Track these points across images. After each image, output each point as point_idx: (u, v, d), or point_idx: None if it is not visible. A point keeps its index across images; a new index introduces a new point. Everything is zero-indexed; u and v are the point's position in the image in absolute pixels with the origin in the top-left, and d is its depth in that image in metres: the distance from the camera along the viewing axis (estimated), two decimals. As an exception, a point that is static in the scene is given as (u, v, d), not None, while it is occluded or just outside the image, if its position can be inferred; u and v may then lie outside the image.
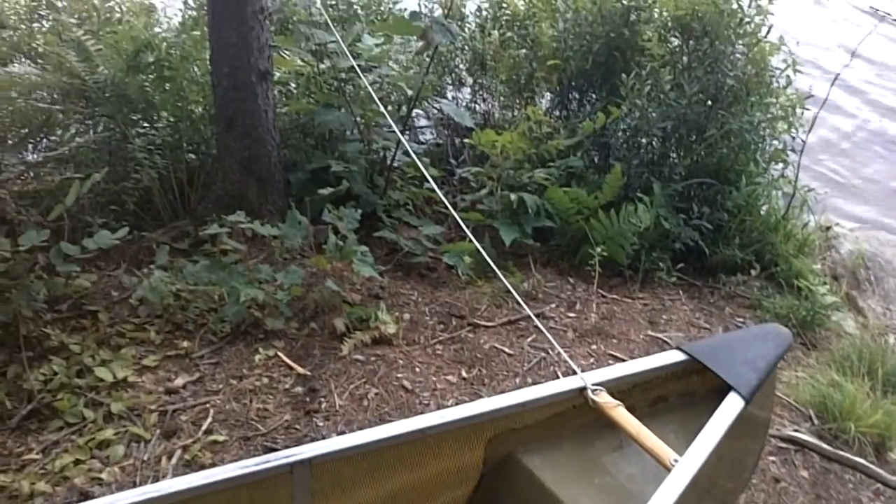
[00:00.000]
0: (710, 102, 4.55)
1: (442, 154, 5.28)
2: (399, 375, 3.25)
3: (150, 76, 4.16)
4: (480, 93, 5.66)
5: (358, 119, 4.47)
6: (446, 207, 3.19)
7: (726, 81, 4.49)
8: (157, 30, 4.57)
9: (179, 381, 3.09)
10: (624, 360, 3.51)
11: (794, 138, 4.73)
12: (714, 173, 4.59)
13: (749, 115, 4.55)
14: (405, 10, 5.46)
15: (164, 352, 3.26)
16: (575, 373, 2.12)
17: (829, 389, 3.60)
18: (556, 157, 4.59)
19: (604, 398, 2.05)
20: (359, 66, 4.07)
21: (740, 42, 4.56)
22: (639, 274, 4.33)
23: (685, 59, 4.67)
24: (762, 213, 4.76)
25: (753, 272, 4.54)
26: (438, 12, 5.45)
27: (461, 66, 5.63)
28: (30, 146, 4.22)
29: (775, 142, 4.74)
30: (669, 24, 4.70)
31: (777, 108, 4.66)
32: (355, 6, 5.21)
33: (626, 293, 4.23)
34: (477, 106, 5.69)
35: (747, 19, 4.52)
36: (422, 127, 5.71)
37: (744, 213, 4.61)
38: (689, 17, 4.56)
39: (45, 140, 4.26)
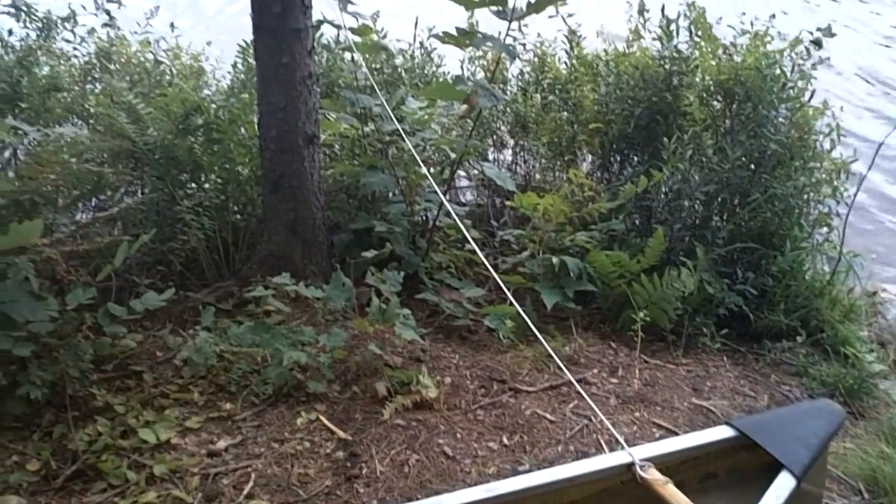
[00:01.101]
0: (753, 166, 4.54)
1: (483, 215, 5.31)
2: (440, 441, 3.22)
3: (199, 138, 4.25)
4: (522, 154, 5.69)
5: (401, 181, 4.52)
6: (487, 269, 3.21)
7: (769, 146, 4.47)
8: (206, 92, 4.69)
9: (222, 444, 3.10)
10: (668, 430, 3.48)
11: (838, 202, 4.69)
12: (758, 237, 4.56)
13: (793, 179, 4.52)
14: (448, 73, 5.55)
15: (207, 413, 3.28)
16: (620, 444, 2.10)
17: (878, 462, 3.50)
18: (597, 219, 4.58)
19: (652, 474, 2.02)
20: (403, 129, 4.13)
21: (783, 106, 4.56)
22: (682, 339, 4.29)
23: (728, 122, 4.67)
24: (807, 278, 4.70)
25: (799, 338, 4.46)
26: (481, 75, 5.52)
27: (503, 127, 5.68)
28: (81, 206, 4.33)
29: (820, 206, 4.70)
30: (712, 88, 4.71)
31: (821, 173, 4.64)
32: (400, 69, 5.29)
33: (669, 359, 4.18)
34: (518, 167, 5.73)
35: (790, 84, 4.52)
36: (463, 187, 5.76)
37: (788, 278, 4.55)
38: (732, 81, 4.56)
39: (95, 200, 4.37)
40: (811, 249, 4.70)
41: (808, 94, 4.56)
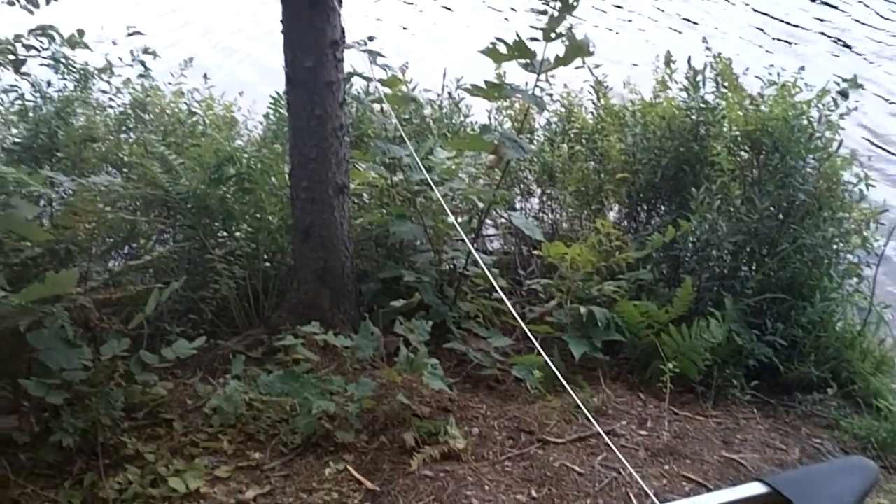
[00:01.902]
0: (781, 216, 4.54)
1: (510, 263, 5.32)
2: (468, 493, 3.21)
3: (231, 188, 4.32)
4: (549, 203, 5.72)
5: (429, 230, 4.56)
6: (515, 319, 3.21)
7: (798, 196, 4.47)
8: (238, 142, 4.77)
9: (250, 494, 3.11)
10: (699, 483, 3.44)
11: (868, 252, 4.66)
12: (787, 288, 4.53)
13: (822, 229, 4.51)
14: (476, 122, 5.62)
15: (236, 462, 3.29)
16: (650, 498, 2.09)
17: (913, 518, 3.46)
18: (625, 269, 4.59)
19: (683, 532, 2.00)
20: (431, 178, 4.17)
21: (811, 157, 4.56)
22: (711, 390, 4.25)
23: (755, 172, 4.68)
24: (837, 329, 4.66)
25: (830, 391, 4.41)
26: (508, 125, 5.58)
27: (530, 176, 5.72)
28: (114, 254, 4.40)
29: (850, 256, 4.68)
30: (739, 138, 4.72)
31: (851, 223, 4.62)
32: (428, 119, 5.36)
33: (698, 410, 4.15)
34: (545, 216, 5.75)
35: (818, 134, 4.53)
36: (490, 235, 5.78)
37: (818, 329, 4.51)
38: (759, 132, 4.58)
39: (127, 248, 4.43)
40: (841, 300, 4.67)
41: (835, 144, 4.56)
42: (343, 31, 3.99)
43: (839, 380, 4.50)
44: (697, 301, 4.47)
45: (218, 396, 3.52)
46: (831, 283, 4.59)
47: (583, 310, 4.26)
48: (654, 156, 4.92)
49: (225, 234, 4.40)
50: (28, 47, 4.62)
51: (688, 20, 12.43)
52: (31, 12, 4.49)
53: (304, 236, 4.15)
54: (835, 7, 12.77)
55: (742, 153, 4.75)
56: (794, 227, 4.48)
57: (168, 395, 3.63)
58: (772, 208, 4.51)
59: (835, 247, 4.59)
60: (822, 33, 12.00)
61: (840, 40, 11.39)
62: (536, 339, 3.47)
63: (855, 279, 4.72)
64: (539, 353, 3.35)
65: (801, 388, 4.46)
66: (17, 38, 4.57)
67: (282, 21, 3.97)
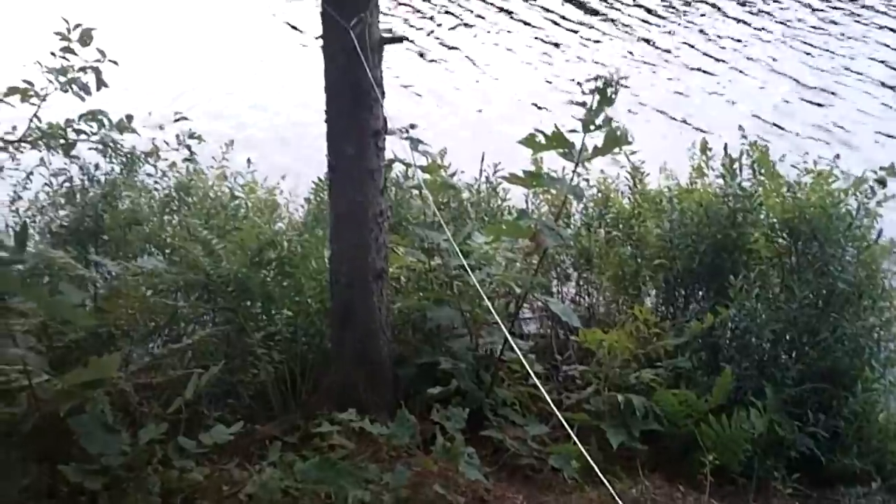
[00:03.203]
0: (821, 305, 4.50)
1: (547, 347, 5.31)
2: (505, 587, 3.16)
3: (272, 272, 4.38)
4: (586, 287, 5.73)
5: (466, 314, 4.57)
6: (552, 406, 3.20)
7: (837, 284, 4.45)
8: (279, 225, 4.85)
9: (286, 583, 3.08)
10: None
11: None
12: (828, 377, 4.47)
13: (862, 318, 4.47)
14: (513, 206, 5.67)
15: (272, 550, 3.27)
16: None
17: None
18: (663, 356, 4.56)
19: None
20: (469, 263, 4.20)
21: (850, 245, 4.54)
22: (752, 483, 4.18)
23: (793, 259, 4.66)
24: (880, 420, 4.57)
25: (874, 484, 4.32)
26: (545, 208, 5.63)
27: (567, 260, 5.74)
28: (153, 336, 4.46)
29: (891, 345, 4.61)
30: (777, 226, 4.72)
31: (892, 311, 4.57)
32: (466, 203, 5.43)
33: (739, 503, 4.07)
34: (581, 300, 5.75)
35: (856, 223, 4.52)
36: (527, 318, 5.78)
37: (861, 419, 4.44)
38: (797, 219, 4.58)
39: (167, 331, 4.49)
40: (884, 390, 4.59)
41: (875, 233, 4.55)
42: (385, 121, 4.08)
43: (883, 472, 4.40)
44: (737, 390, 4.42)
45: (254, 483, 3.51)
46: (873, 372, 4.53)
47: (620, 398, 4.23)
48: (691, 242, 4.92)
49: (265, 317, 4.45)
50: (78, 132, 4.76)
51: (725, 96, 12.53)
52: (83, 99, 4.64)
53: (343, 321, 4.18)
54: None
55: (780, 240, 4.74)
56: (834, 315, 4.44)
57: (204, 480, 3.61)
58: (811, 296, 4.48)
59: (876, 336, 4.54)
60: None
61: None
62: (573, 427, 3.45)
63: (898, 369, 4.65)
64: (575, 443, 3.32)
65: (844, 480, 4.37)
66: (69, 122, 4.71)
67: (325, 111, 4.08)
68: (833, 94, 12.46)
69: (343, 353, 4.22)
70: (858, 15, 15.68)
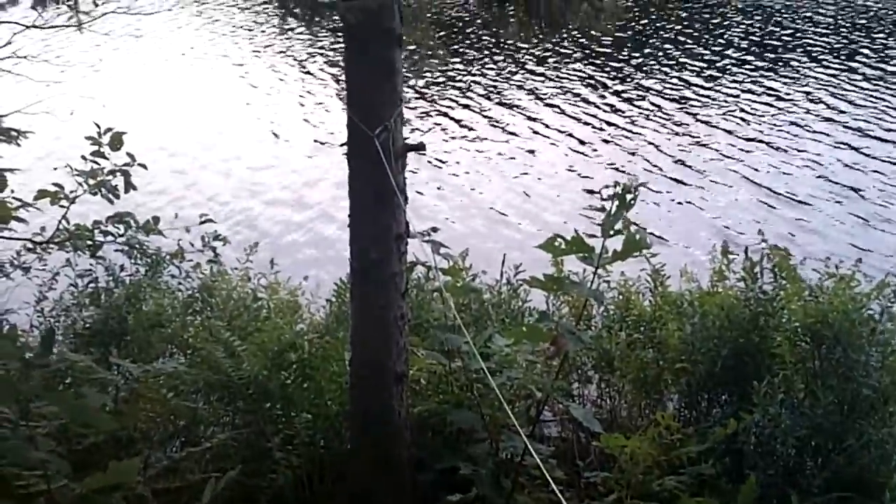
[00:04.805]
0: (845, 410, 4.43)
1: (568, 451, 5.23)
2: None
3: (292, 374, 4.38)
4: (607, 390, 5.68)
5: (487, 417, 4.53)
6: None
7: (861, 390, 4.39)
8: (300, 325, 4.88)
9: None
10: None
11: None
12: (855, 485, 4.37)
13: (888, 425, 4.39)
14: (534, 307, 5.67)
15: None
16: None
17: None
18: (686, 462, 4.48)
19: None
20: (489, 366, 4.19)
21: (874, 350, 4.50)
22: None
23: (817, 364, 4.62)
24: (911, 529, 4.45)
25: None
26: (566, 310, 5.63)
27: (587, 362, 5.70)
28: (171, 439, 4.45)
29: (918, 453, 4.52)
30: (799, 330, 4.69)
31: (919, 418, 4.49)
32: (487, 304, 5.44)
33: None
34: (603, 403, 5.70)
35: (880, 328, 4.49)
36: (548, 421, 5.72)
37: (891, 529, 4.32)
38: (820, 323, 4.55)
39: (186, 433, 4.48)
40: (914, 500, 4.48)
41: (899, 339, 4.51)
42: (408, 225, 4.14)
43: (914, 584, 4.26)
44: (762, 498, 4.31)
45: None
46: (902, 481, 4.43)
47: (644, 506, 4.14)
48: (713, 345, 4.89)
49: (284, 420, 4.43)
50: (105, 233, 4.85)
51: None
52: (111, 202, 4.74)
53: (362, 424, 4.16)
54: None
55: (803, 344, 4.71)
56: (860, 421, 4.37)
57: (220, 589, 3.57)
58: (835, 402, 4.42)
59: (903, 443, 4.45)
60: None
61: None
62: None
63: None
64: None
65: None
66: (96, 224, 4.80)
67: (349, 214, 4.15)
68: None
69: (362, 458, 4.19)
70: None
